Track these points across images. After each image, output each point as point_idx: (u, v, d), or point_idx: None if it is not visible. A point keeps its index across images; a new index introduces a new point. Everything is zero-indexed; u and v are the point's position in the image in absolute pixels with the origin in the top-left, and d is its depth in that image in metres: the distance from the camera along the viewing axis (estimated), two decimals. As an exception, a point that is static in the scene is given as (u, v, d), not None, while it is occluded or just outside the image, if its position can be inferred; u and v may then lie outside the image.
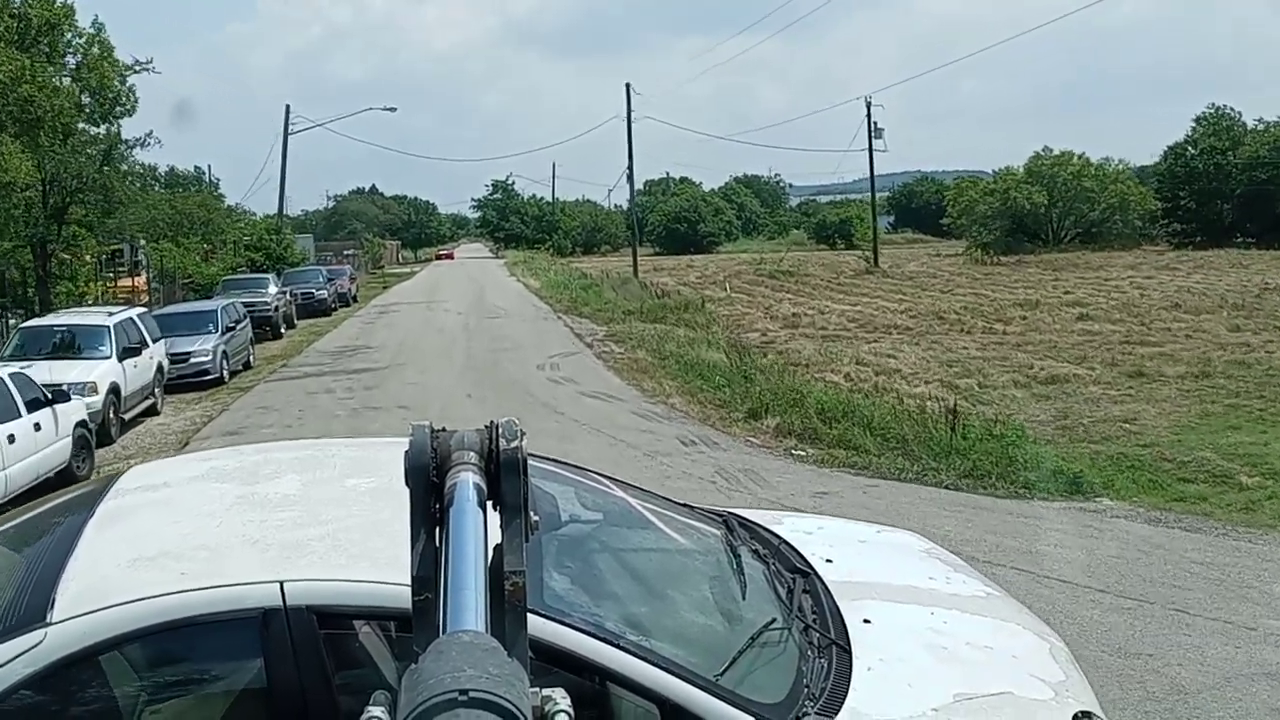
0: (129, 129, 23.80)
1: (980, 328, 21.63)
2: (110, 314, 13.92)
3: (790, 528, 4.12)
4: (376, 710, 0.91)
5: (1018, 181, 50.71)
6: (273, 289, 24.73)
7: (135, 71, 21.97)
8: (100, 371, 12.71)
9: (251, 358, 19.29)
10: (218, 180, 61.51)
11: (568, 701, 0.91)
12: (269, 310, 23.41)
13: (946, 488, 8.98)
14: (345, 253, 67.97)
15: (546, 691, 0.92)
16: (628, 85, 41.10)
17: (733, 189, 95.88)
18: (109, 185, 21.39)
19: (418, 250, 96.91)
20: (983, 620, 3.47)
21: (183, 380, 15.67)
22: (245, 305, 21.94)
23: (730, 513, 4.13)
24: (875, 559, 4.02)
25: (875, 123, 40.05)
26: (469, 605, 0.96)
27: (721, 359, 16.43)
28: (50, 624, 2.42)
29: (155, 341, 14.88)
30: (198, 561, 2.60)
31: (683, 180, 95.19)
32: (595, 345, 20.00)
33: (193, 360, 16.75)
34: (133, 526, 2.88)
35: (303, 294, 28.91)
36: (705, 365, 15.76)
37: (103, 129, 22.03)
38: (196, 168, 64.42)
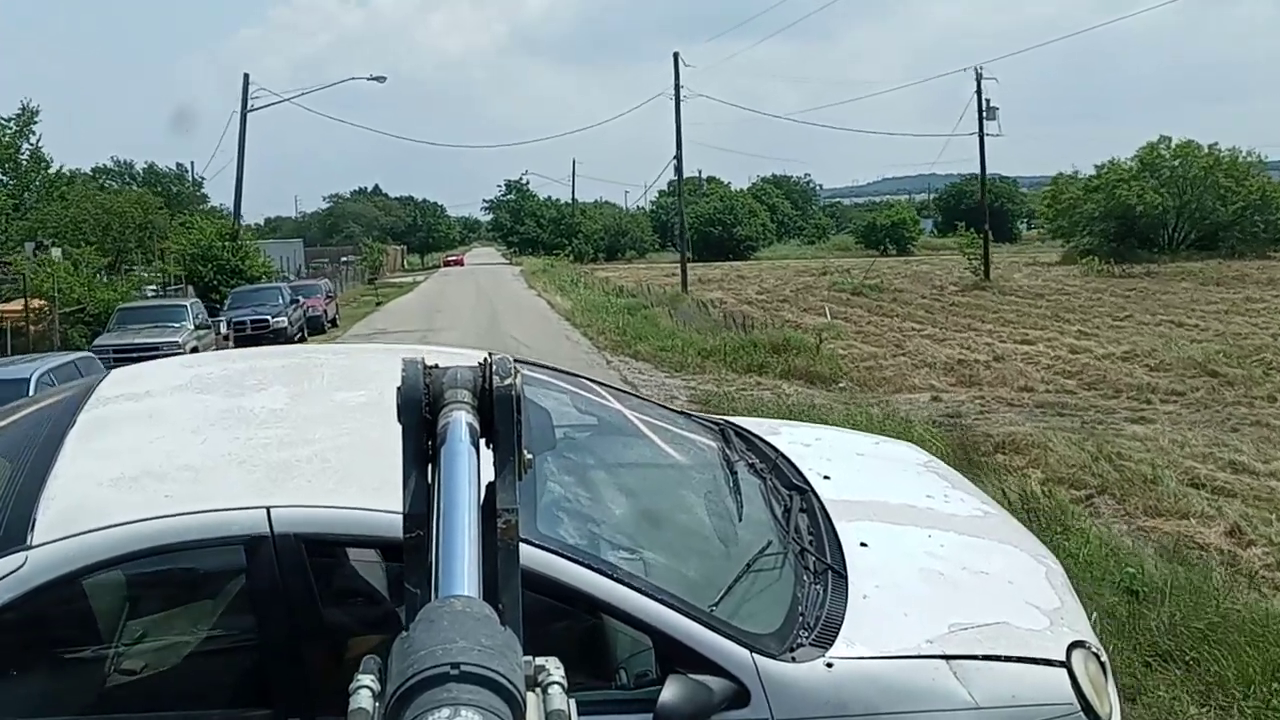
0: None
1: (1289, 391, 15.40)
2: None
3: (788, 439, 4.19)
4: (366, 679, 0.91)
5: (1129, 176, 41.87)
6: (190, 323, 16.53)
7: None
8: None
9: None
10: (202, 179, 53.67)
11: (561, 672, 0.93)
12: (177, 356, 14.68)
13: None
14: (342, 259, 59.57)
15: (540, 661, 0.94)
16: (676, 55, 34.14)
17: (762, 189, 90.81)
18: None
19: (425, 256, 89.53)
20: (980, 542, 3.52)
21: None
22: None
23: (727, 422, 4.21)
24: (873, 475, 4.07)
25: (988, 100, 31.51)
26: (461, 558, 0.98)
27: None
28: (31, 547, 2.45)
29: None
30: (182, 483, 2.64)
31: (711, 180, 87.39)
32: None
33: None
34: (114, 441, 2.88)
35: (253, 322, 20.72)
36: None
37: None
38: (179, 164, 56.33)
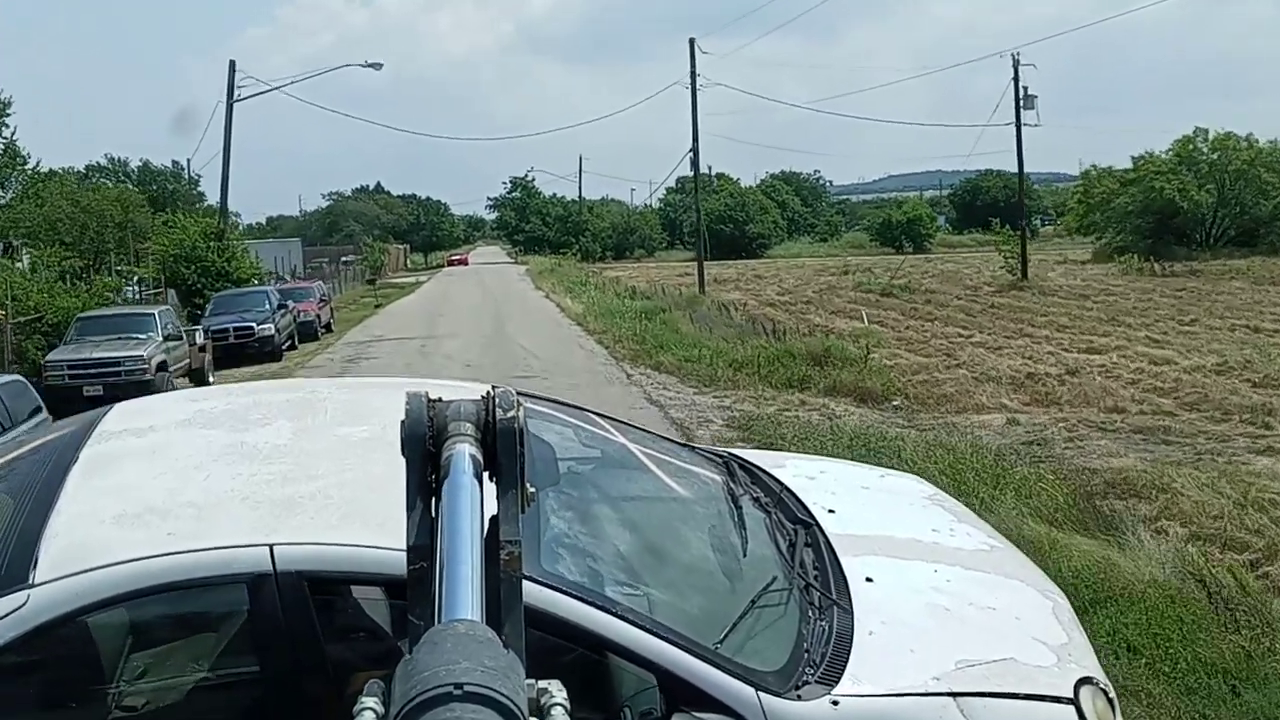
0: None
1: None
2: None
3: (793, 472, 4.21)
4: (370, 701, 0.93)
5: (1167, 169, 39.77)
6: (157, 334, 14.43)
7: None
8: None
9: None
10: (198, 177, 52.02)
11: (564, 694, 0.95)
12: (141, 373, 13.00)
13: None
14: (342, 259, 57.90)
15: (542, 683, 0.95)
16: (692, 41, 31.42)
17: (772, 186, 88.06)
18: None
19: (429, 255, 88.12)
20: (986, 577, 3.56)
21: None
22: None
23: (731, 454, 4.27)
24: (878, 508, 4.09)
25: (1025, 88, 29.50)
26: (464, 587, 1.00)
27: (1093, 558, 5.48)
28: (33, 585, 2.49)
29: None
30: (185, 520, 2.69)
31: (721, 177, 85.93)
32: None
33: None
34: (117, 477, 2.95)
35: (235, 330, 18.76)
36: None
37: None
38: (175, 162, 54.42)
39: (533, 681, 0.93)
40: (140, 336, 17.02)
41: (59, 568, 2.49)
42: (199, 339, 19.04)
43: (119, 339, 16.79)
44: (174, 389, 16.82)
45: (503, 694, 0.82)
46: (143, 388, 15.66)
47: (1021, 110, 35.21)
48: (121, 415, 3.39)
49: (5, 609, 2.41)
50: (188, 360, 18.76)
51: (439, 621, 0.96)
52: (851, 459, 10.49)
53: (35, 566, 2.49)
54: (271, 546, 2.53)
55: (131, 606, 2.59)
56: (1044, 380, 16.08)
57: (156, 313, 18.52)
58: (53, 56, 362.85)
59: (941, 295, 33.23)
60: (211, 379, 19.37)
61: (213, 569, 2.52)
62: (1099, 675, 3.09)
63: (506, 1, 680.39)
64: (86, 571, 2.48)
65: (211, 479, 2.84)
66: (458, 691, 0.81)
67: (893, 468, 9.90)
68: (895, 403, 15.15)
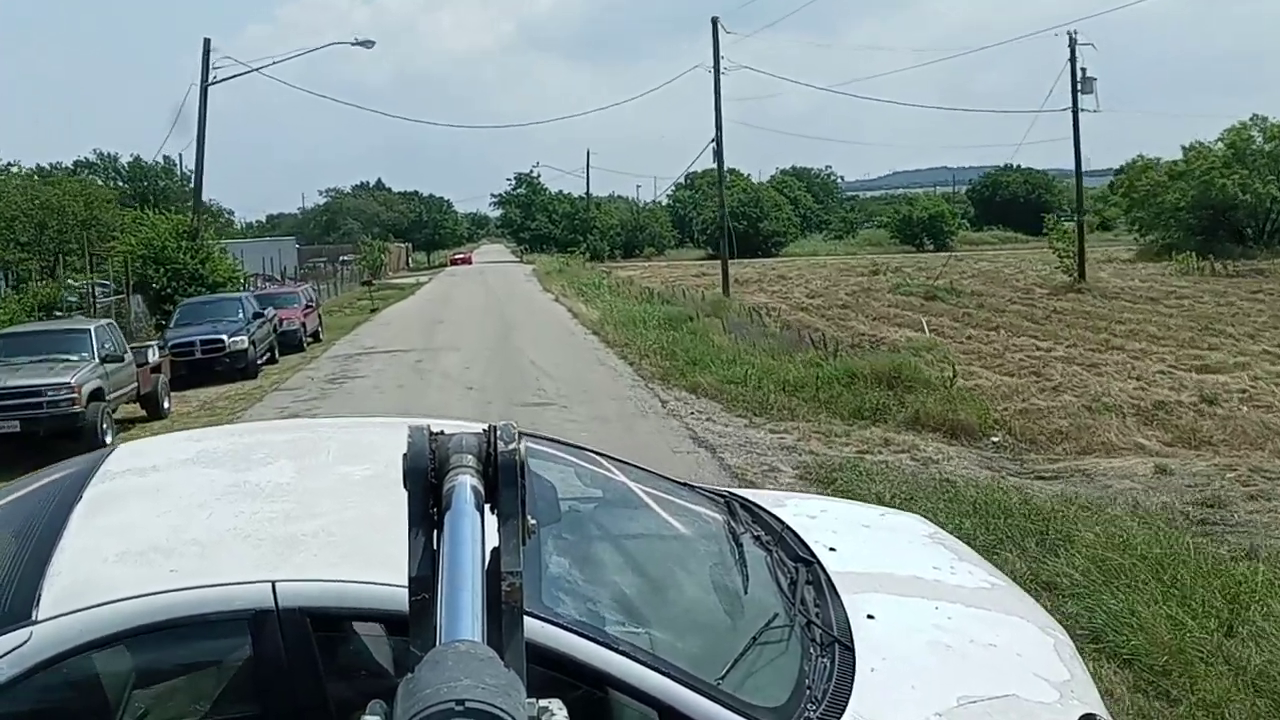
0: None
1: None
2: None
3: (793, 510, 4.21)
4: None
5: (1221, 161, 37.03)
6: (94, 354, 11.54)
7: None
8: None
9: None
10: (189, 173, 49.42)
11: (564, 713, 0.96)
12: (69, 404, 10.15)
13: None
14: (341, 259, 55.73)
15: (543, 702, 0.97)
16: (715, 20, 28.59)
17: (783, 182, 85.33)
18: None
19: (431, 253, 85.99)
20: (987, 614, 3.60)
21: None
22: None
23: (732, 494, 4.33)
24: (879, 546, 4.11)
25: (1083, 70, 26.63)
26: (465, 611, 1.02)
27: None
28: (36, 622, 2.51)
29: None
30: (188, 558, 2.72)
31: (731, 172, 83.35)
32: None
33: None
34: (121, 516, 3.00)
35: (203, 344, 16.08)
36: None
37: None
38: (166, 158, 52.05)
39: (533, 700, 0.94)
40: (70, 358, 14.23)
41: (62, 604, 2.53)
42: (152, 357, 16.33)
43: (43, 362, 14.15)
44: (111, 422, 14.09)
45: (505, 710, 0.83)
46: (69, 422, 13.13)
47: (1079, 95, 32.78)
48: (125, 456, 3.49)
49: (8, 646, 2.46)
50: (135, 384, 16.15)
51: (440, 643, 0.98)
52: (996, 540, 7.87)
53: (38, 603, 2.54)
54: (274, 583, 2.57)
55: (134, 643, 2.62)
56: (1177, 410, 13.26)
57: (92, 329, 15.48)
58: (52, 56, 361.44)
59: (992, 298, 31.72)
60: (168, 404, 16.98)
61: (215, 606, 2.56)
62: (1101, 711, 3.17)
63: (508, 1, 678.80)
64: (89, 608, 2.52)
65: (214, 517, 2.90)
66: (459, 708, 0.83)
67: (1064, 556, 7.28)
68: (995, 439, 12.41)
